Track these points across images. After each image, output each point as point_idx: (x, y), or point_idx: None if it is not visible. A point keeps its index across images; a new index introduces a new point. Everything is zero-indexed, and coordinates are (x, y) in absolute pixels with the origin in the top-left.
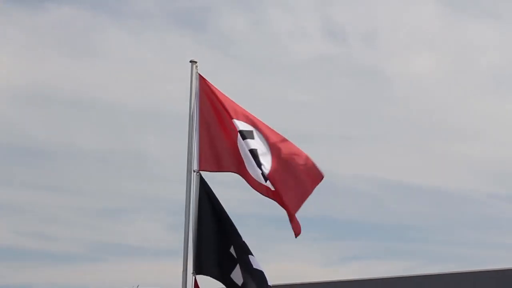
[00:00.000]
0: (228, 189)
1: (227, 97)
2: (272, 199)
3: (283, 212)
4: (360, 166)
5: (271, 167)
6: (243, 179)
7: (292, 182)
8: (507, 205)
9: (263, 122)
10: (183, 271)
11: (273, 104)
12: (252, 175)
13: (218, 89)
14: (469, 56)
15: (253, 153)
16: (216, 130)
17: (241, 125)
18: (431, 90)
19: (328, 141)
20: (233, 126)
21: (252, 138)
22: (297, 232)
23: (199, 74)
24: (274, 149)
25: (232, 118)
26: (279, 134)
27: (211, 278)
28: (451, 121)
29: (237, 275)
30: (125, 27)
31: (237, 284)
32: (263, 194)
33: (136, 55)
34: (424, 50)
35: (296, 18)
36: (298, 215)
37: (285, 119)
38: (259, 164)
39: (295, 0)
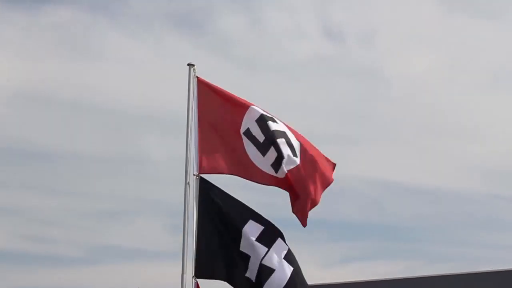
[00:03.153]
0: (225, 189)
1: (230, 95)
2: (285, 189)
3: (280, 212)
4: (359, 167)
5: (301, 152)
6: (246, 179)
7: (317, 170)
8: (508, 205)
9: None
10: (182, 274)
11: (270, 104)
12: (262, 169)
13: (219, 87)
14: (466, 55)
15: (280, 134)
16: (217, 132)
17: (259, 110)
18: (429, 89)
19: (326, 141)
20: (237, 126)
21: (275, 122)
22: (304, 223)
23: (198, 77)
24: (297, 135)
25: (244, 111)
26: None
27: (211, 281)
28: (450, 120)
29: (251, 273)
30: (123, 29)
31: (251, 281)
32: (273, 185)
33: (135, 57)
34: (422, 49)
35: (293, 18)
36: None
37: (283, 119)
38: (290, 144)
39: None
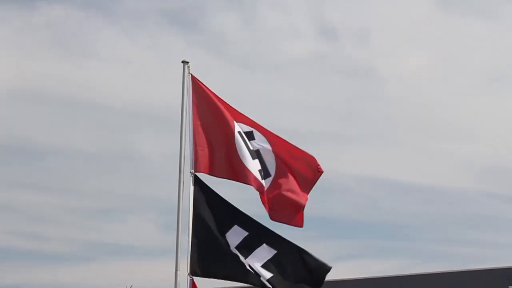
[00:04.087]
0: (217, 186)
1: (221, 99)
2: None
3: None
4: (354, 165)
5: (276, 167)
6: (235, 181)
7: (294, 180)
8: (501, 203)
9: (258, 122)
10: (175, 271)
11: (265, 103)
12: (252, 171)
13: (212, 90)
14: (461, 54)
15: (257, 153)
16: (211, 130)
17: (240, 127)
18: (424, 88)
19: (320, 140)
20: (230, 125)
21: (253, 138)
22: (299, 224)
23: (192, 75)
24: (274, 147)
25: (231, 119)
26: (274, 134)
27: (207, 279)
28: (445, 119)
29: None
30: (117, 27)
31: (252, 272)
32: (258, 191)
33: (129, 55)
34: (416, 48)
35: (288, 17)
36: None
37: (277, 118)
38: (263, 165)
39: None
